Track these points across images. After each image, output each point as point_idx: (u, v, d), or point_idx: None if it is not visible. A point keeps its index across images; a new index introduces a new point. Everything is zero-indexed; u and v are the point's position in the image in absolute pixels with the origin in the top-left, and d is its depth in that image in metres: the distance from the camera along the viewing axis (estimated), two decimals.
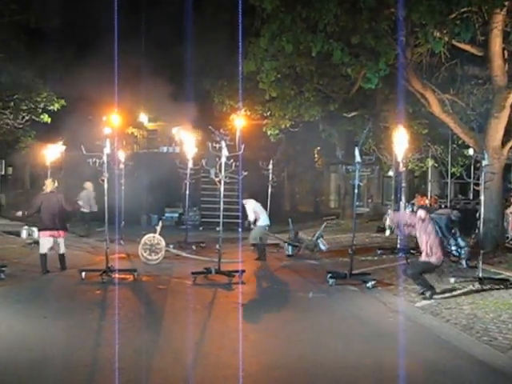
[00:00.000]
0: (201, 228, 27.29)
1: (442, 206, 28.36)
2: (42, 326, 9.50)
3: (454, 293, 12.38)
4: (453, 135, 24.49)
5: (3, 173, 31.88)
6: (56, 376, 7.17)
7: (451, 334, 9.32)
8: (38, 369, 7.38)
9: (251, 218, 18.03)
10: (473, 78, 20.58)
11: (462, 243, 15.75)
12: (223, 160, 14.34)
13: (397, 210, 20.94)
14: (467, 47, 17.83)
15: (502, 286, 12.83)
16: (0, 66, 24.05)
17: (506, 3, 15.64)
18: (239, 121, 20.13)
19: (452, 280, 13.53)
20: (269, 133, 24.33)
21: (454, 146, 27.37)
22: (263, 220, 17.96)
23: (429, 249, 12.17)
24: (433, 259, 12.13)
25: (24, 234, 21.66)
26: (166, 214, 29.40)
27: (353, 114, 24.54)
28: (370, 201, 41.71)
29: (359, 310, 11.21)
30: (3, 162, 30.67)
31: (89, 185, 23.30)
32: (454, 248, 16.65)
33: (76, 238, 22.10)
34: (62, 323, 9.69)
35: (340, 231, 25.91)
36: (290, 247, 18.90)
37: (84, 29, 28.88)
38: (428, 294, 11.93)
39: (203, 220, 28.42)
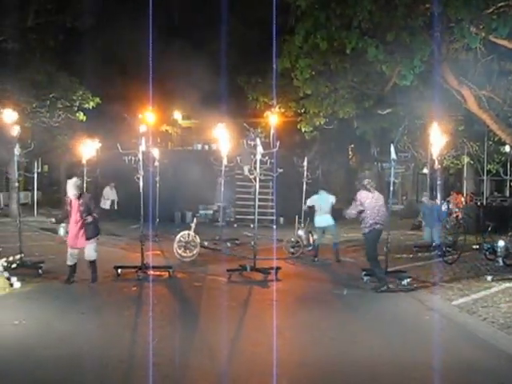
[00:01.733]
0: (235, 225, 27.33)
1: (478, 203, 28.16)
2: (79, 323, 9.61)
3: (491, 291, 12.26)
4: (489, 132, 24.29)
5: (39, 171, 32.22)
6: (93, 372, 7.25)
7: (488, 333, 9.22)
8: (76, 365, 7.47)
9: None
10: (510, 73, 20.32)
11: (501, 243, 15.67)
12: (258, 157, 14.36)
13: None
14: (504, 42, 17.56)
15: None
16: (37, 66, 24.37)
17: None
18: (273, 118, 20.12)
19: (489, 278, 13.42)
20: (303, 130, 24.28)
21: (490, 142, 27.14)
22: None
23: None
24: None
25: (61, 231, 21.91)
26: (201, 211, 29.47)
27: (387, 111, 24.37)
28: (404, 198, 41.51)
29: (395, 308, 11.16)
30: (39, 160, 31.01)
31: (220, 180, 23.56)
32: (488, 246, 16.54)
33: (111, 235, 22.30)
34: (98, 319, 9.80)
35: None
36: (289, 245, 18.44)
37: (119, 28, 29.09)
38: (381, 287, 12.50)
39: (237, 217, 28.44)
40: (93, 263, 12.99)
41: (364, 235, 13.17)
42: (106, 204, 28.01)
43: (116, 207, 28.40)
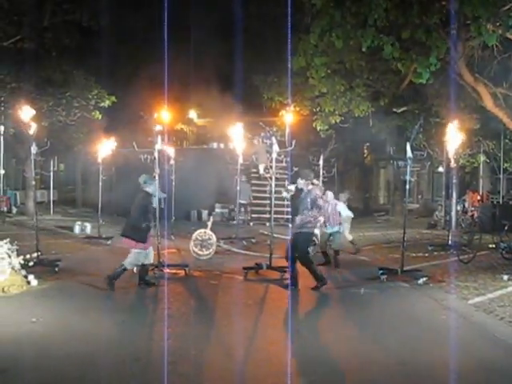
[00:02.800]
0: (251, 223, 27.32)
1: (494, 202, 28.00)
2: (95, 320, 9.64)
3: (508, 290, 12.20)
4: (505, 130, 24.13)
5: (55, 169, 32.37)
6: (110, 369, 7.27)
7: (506, 333, 9.17)
8: (93, 362, 7.49)
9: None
10: None
11: None
12: (274, 156, 14.36)
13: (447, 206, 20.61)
14: None
15: None
16: (53, 64, 24.50)
17: None
18: (288, 117, 20.11)
19: (505, 277, 13.32)
20: (318, 128, 24.27)
21: (507, 140, 26.96)
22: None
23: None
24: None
25: (77, 229, 22.05)
26: (216, 210, 29.47)
27: (403, 109, 24.35)
28: (420, 197, 41.36)
29: (411, 307, 11.12)
30: (55, 158, 31.15)
31: (243, 177, 23.24)
32: (505, 245, 16.44)
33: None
34: (115, 317, 9.83)
35: (390, 227, 25.73)
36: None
37: (134, 26, 29.20)
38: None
39: (253, 215, 28.39)
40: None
41: (308, 235, 12.77)
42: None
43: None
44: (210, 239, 16.63)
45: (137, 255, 12.11)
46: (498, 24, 15.72)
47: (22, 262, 12.33)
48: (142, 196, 12.34)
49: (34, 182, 16.98)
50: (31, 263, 12.93)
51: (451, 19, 16.46)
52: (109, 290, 11.73)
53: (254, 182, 27.51)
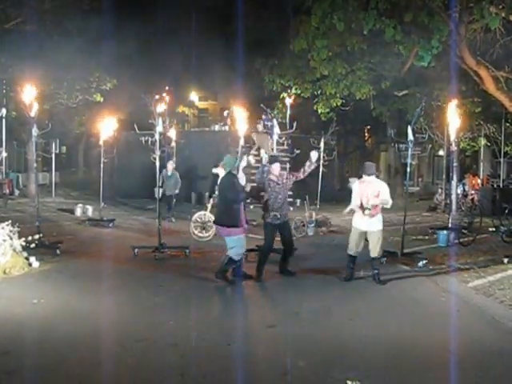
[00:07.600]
0: (251, 206, 27.31)
1: (495, 185, 28.02)
2: (96, 302, 9.68)
3: (508, 273, 12.24)
4: (506, 113, 24.11)
5: (57, 152, 32.35)
6: (110, 351, 7.30)
7: (505, 316, 9.19)
8: (93, 344, 7.53)
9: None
10: None
11: None
12: (275, 138, 14.36)
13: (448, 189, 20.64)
14: None
15: None
16: (54, 47, 24.41)
17: None
18: (289, 99, 20.10)
19: (505, 260, 13.37)
20: (319, 111, 24.22)
21: (508, 124, 26.96)
22: None
23: None
24: None
25: (78, 211, 22.09)
26: (217, 192, 29.42)
27: (404, 92, 24.31)
28: (420, 180, 41.38)
29: (411, 290, 11.15)
30: (57, 141, 31.12)
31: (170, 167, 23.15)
32: (505, 228, 16.48)
33: (128, 216, 22.46)
34: (115, 299, 9.86)
35: (390, 210, 25.71)
36: (309, 228, 18.39)
37: (136, 8, 29.07)
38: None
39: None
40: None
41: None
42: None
43: None
44: (209, 221, 16.65)
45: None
46: (500, 7, 15.67)
47: (24, 243, 12.35)
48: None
49: (35, 165, 16.96)
50: (33, 245, 12.96)
51: (453, 1, 16.39)
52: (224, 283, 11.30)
53: (254, 164, 27.46)
